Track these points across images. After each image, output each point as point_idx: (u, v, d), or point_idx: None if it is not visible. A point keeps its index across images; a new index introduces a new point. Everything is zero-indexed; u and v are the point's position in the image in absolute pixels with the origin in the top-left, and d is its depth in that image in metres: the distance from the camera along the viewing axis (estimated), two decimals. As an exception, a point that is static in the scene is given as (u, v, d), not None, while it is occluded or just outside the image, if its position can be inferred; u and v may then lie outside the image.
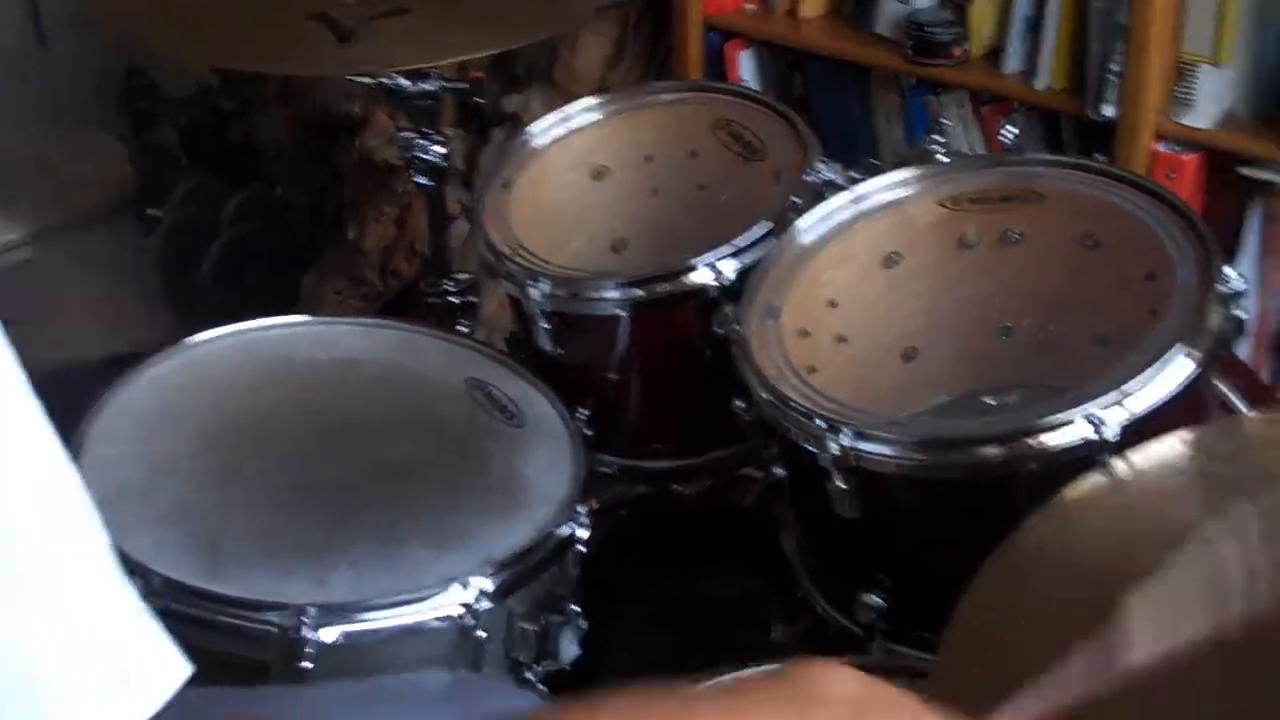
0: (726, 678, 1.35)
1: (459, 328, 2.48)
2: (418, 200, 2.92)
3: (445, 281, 2.53)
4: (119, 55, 3.93)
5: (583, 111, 2.31)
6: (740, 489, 2.37)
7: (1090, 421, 1.60)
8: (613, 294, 2.03)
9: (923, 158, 2.05)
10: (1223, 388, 1.93)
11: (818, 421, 1.70)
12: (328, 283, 3.26)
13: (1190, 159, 2.55)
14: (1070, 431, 1.61)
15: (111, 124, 4.03)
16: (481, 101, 2.56)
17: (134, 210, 3.86)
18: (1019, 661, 1.29)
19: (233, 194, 3.73)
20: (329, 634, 1.72)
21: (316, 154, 3.39)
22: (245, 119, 3.62)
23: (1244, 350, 2.57)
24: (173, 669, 0.99)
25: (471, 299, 2.56)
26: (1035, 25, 2.68)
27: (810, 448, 1.70)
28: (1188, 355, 1.65)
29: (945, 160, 2.03)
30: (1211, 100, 2.54)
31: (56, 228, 2.16)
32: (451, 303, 2.54)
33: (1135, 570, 1.31)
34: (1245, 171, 2.54)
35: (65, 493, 0.98)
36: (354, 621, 1.74)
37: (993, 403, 1.95)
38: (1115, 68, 2.55)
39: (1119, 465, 1.48)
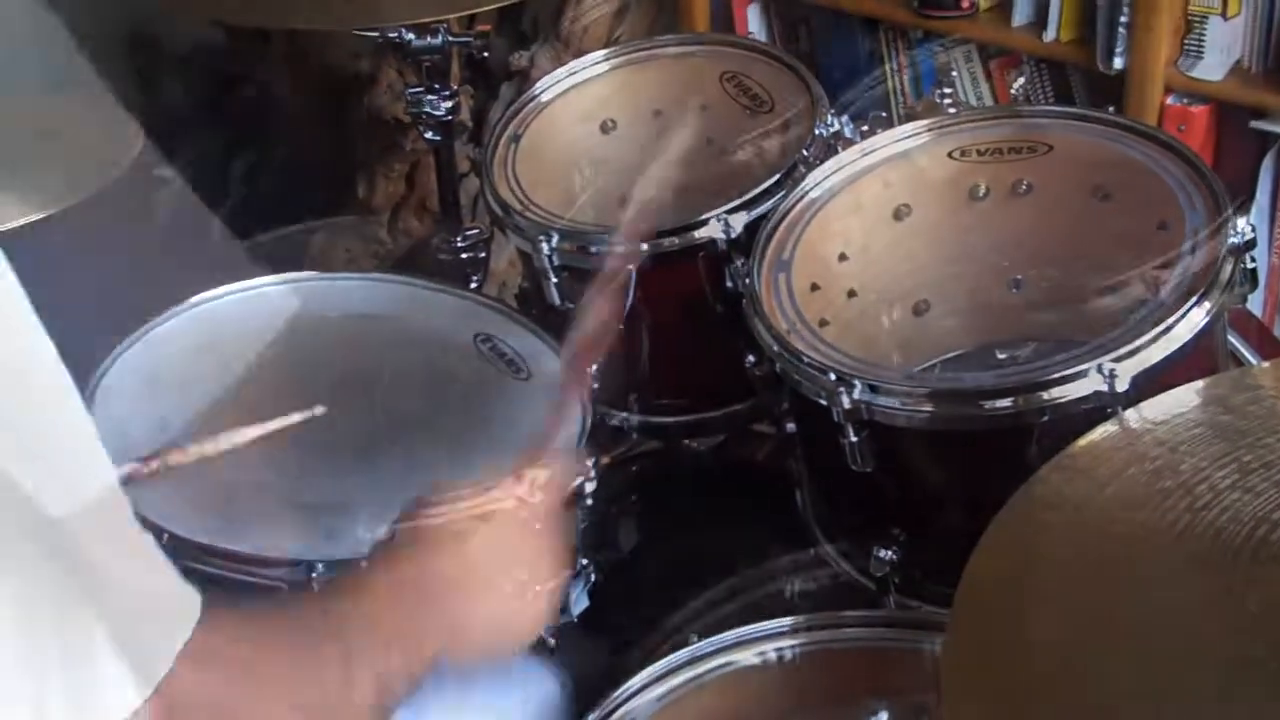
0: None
1: (471, 284, 2.48)
2: (427, 157, 2.92)
3: (455, 238, 2.53)
4: (120, 14, 3.91)
5: (590, 65, 2.30)
6: (753, 444, 2.37)
7: (1102, 373, 1.59)
8: (622, 249, 2.01)
9: (931, 110, 2.04)
10: (1234, 340, 1.93)
11: (829, 376, 1.69)
12: (338, 242, 3.25)
13: (1200, 111, 2.54)
14: (1082, 384, 1.61)
15: (115, 86, 4.02)
16: (488, 56, 2.55)
17: (142, 173, 3.85)
18: (1033, 613, 1.29)
19: (242, 155, 3.73)
20: (340, 589, 1.72)
21: (325, 113, 3.38)
22: (253, 79, 3.61)
23: (1256, 303, 2.56)
24: (191, 607, 1.01)
25: (481, 255, 2.55)
26: (1044, -23, 2.67)
27: (822, 402, 1.70)
28: (1199, 307, 1.65)
29: (954, 112, 2.02)
30: (1221, 52, 2.53)
31: (67, 202, 2.15)
32: (462, 259, 2.54)
33: (1146, 521, 1.31)
34: (1256, 124, 2.53)
35: (91, 448, 1.01)
36: (364, 576, 1.74)
37: (1004, 356, 1.94)
38: (1125, 20, 2.54)
39: (1131, 417, 1.48)
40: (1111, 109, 1.97)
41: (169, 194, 3.69)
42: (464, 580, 1.35)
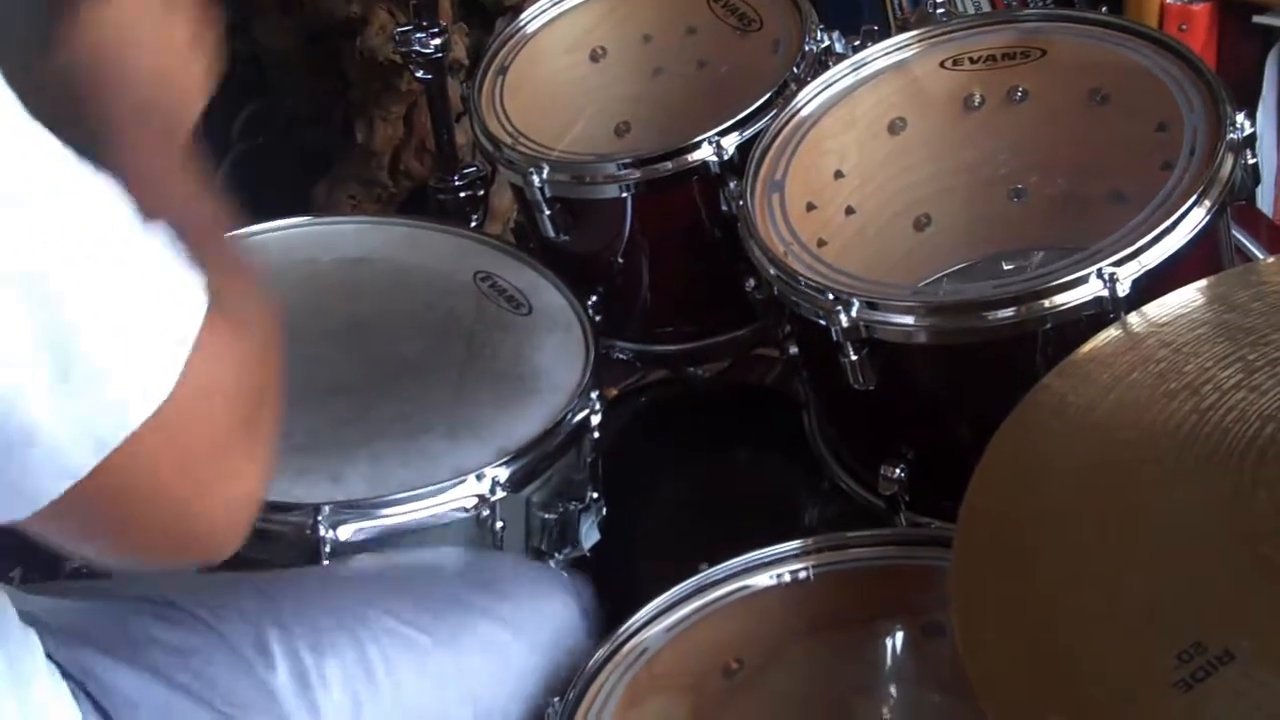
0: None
1: (471, 223, 2.46)
2: (424, 98, 2.89)
3: (453, 177, 2.50)
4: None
5: (576, -7, 2.27)
6: (758, 368, 2.36)
7: (1102, 278, 1.57)
8: (613, 176, 2.00)
9: (924, 20, 2.01)
10: (1239, 236, 1.90)
11: (826, 295, 1.67)
12: (341, 189, 3.23)
13: (1201, 9, 2.51)
14: (1082, 290, 1.58)
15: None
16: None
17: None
18: (1040, 521, 1.28)
19: (241, 107, 3.71)
20: (345, 532, 1.71)
21: (320, 60, 3.35)
22: (248, 29, 3.58)
23: (1266, 201, 2.53)
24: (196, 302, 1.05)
25: (480, 193, 2.53)
26: (1037, -123, 2.63)
27: (820, 322, 1.68)
28: (1199, 206, 1.61)
29: (947, 21, 1.99)
30: (1220, -53, 2.50)
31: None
32: (460, 199, 2.51)
33: (1152, 425, 1.29)
34: (1259, 20, 2.49)
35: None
36: (370, 518, 1.73)
37: (1010, 267, 1.92)
38: (1122, -82, 2.50)
39: (1134, 320, 1.46)
40: (1105, 9, 1.94)
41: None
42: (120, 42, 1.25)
